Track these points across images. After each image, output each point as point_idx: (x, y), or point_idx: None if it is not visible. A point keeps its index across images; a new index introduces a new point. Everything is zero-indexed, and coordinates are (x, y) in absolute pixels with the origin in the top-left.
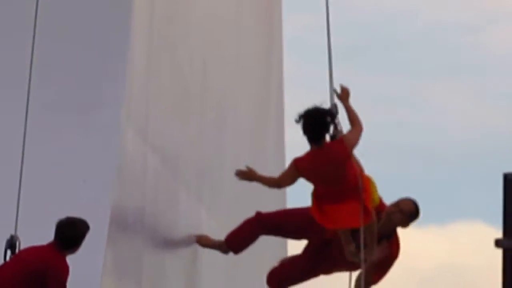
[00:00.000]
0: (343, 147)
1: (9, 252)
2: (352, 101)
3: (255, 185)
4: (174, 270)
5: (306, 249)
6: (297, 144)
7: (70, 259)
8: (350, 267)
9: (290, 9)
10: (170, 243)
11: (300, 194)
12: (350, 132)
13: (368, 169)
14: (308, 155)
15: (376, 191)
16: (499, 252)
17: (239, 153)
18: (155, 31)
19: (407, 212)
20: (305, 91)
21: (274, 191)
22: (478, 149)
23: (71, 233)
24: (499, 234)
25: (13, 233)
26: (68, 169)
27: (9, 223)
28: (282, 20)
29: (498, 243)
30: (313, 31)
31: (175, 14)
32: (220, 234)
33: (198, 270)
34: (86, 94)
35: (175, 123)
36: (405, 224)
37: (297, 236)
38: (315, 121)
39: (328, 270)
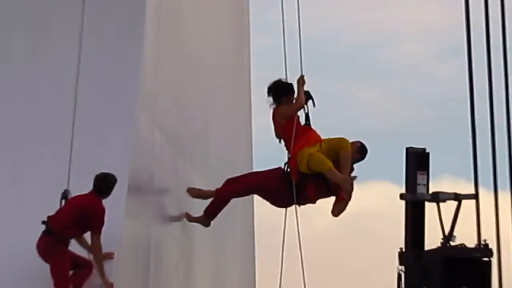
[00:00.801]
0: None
1: (63, 201)
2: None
3: (231, 155)
4: (174, 212)
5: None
6: (260, 128)
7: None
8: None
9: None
10: (172, 195)
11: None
12: (288, 105)
13: None
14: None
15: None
16: (402, 203)
17: (219, 131)
18: (161, 45)
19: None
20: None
21: (243, 158)
22: (385, 130)
23: (104, 183)
24: (400, 191)
25: (66, 187)
26: (99, 141)
27: (63, 181)
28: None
29: (402, 196)
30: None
31: (175, 30)
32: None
33: (191, 211)
34: (110, 88)
35: (175, 110)
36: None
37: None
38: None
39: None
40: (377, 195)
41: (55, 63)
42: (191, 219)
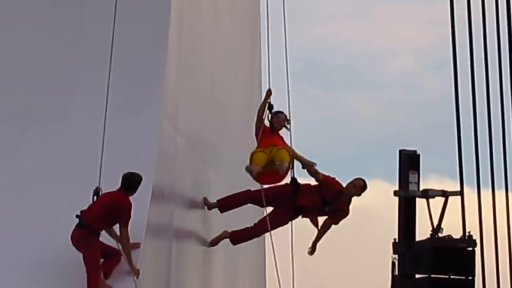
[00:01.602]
0: None
1: (95, 197)
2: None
3: (245, 157)
4: (194, 207)
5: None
6: None
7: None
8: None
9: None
10: (192, 192)
11: None
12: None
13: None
14: None
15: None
16: (395, 199)
17: (234, 136)
18: (182, 57)
19: (359, 187)
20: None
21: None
22: (376, 135)
23: (131, 181)
24: (392, 188)
25: (97, 186)
26: (127, 145)
27: (94, 180)
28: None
29: (395, 193)
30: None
31: (195, 44)
32: (221, 187)
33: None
34: (137, 97)
35: (194, 117)
36: (358, 194)
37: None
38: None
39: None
40: (372, 192)
41: (88, 80)
42: (207, 203)
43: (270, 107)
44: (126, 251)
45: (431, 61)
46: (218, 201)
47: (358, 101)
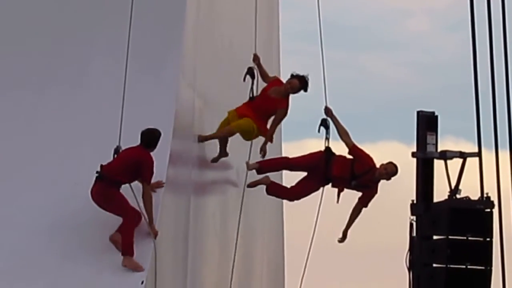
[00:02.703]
0: None
1: (115, 155)
2: None
3: None
4: (210, 164)
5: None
6: None
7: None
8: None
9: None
10: (208, 151)
11: None
12: None
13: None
14: None
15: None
16: (411, 161)
17: None
18: (200, 18)
19: (391, 173)
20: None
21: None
22: (397, 96)
23: (151, 137)
24: (409, 149)
25: (118, 144)
26: (145, 107)
27: (112, 141)
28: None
29: (413, 154)
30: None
31: (212, 4)
32: (235, 146)
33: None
34: (156, 58)
35: (212, 78)
36: (388, 179)
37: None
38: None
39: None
40: (388, 153)
41: (107, 42)
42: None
43: (249, 71)
44: (148, 209)
45: (447, 22)
46: (258, 163)
47: (374, 62)
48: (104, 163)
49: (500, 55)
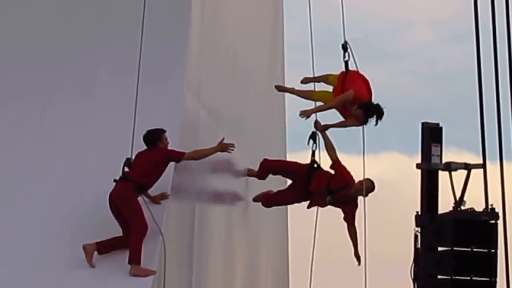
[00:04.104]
0: None
1: (125, 168)
2: None
3: (266, 129)
4: (214, 178)
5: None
6: (292, 105)
7: None
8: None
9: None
10: (213, 163)
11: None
12: None
13: None
14: None
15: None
16: (413, 172)
17: (256, 108)
18: (205, 28)
19: (367, 189)
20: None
21: (277, 132)
22: (398, 107)
23: (152, 136)
24: (411, 160)
25: (129, 156)
26: (150, 118)
27: (120, 149)
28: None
29: (418, 165)
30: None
31: (218, 15)
32: (244, 159)
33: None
34: (161, 69)
35: (216, 89)
36: (364, 195)
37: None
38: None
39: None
40: (389, 164)
41: (113, 54)
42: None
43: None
44: (201, 153)
45: (449, 33)
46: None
47: (376, 73)
48: (107, 180)
49: (505, 65)
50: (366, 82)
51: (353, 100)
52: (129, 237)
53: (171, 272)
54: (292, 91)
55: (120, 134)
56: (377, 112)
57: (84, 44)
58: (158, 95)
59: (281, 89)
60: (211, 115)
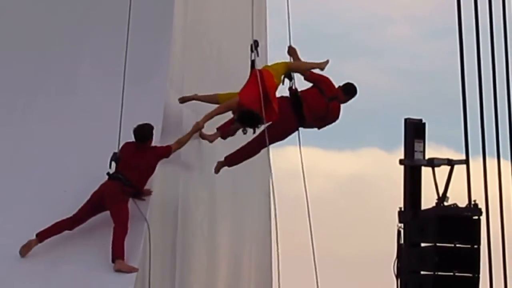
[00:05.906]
0: None
1: (113, 163)
2: None
3: None
4: (199, 173)
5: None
6: None
7: None
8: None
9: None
10: (197, 160)
11: None
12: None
13: None
14: None
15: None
16: (393, 168)
17: None
18: (188, 25)
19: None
20: None
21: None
22: (377, 103)
23: (142, 131)
24: (391, 156)
25: (116, 151)
26: (133, 116)
27: (102, 145)
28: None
29: (401, 161)
30: None
31: (201, 12)
32: (222, 148)
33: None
34: (143, 66)
35: (200, 86)
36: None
37: None
38: None
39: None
40: (369, 160)
41: (96, 50)
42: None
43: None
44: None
45: (429, 29)
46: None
47: (357, 69)
48: (91, 179)
49: (488, 61)
50: (269, 79)
51: (238, 106)
52: (72, 228)
53: (154, 267)
54: (195, 97)
55: (104, 131)
56: (251, 122)
57: (68, 42)
58: (141, 92)
59: (185, 99)
60: (194, 112)
